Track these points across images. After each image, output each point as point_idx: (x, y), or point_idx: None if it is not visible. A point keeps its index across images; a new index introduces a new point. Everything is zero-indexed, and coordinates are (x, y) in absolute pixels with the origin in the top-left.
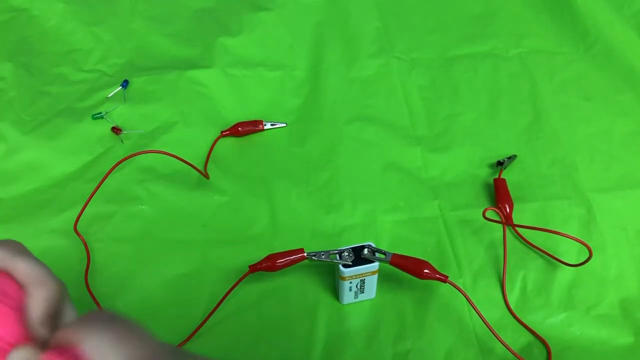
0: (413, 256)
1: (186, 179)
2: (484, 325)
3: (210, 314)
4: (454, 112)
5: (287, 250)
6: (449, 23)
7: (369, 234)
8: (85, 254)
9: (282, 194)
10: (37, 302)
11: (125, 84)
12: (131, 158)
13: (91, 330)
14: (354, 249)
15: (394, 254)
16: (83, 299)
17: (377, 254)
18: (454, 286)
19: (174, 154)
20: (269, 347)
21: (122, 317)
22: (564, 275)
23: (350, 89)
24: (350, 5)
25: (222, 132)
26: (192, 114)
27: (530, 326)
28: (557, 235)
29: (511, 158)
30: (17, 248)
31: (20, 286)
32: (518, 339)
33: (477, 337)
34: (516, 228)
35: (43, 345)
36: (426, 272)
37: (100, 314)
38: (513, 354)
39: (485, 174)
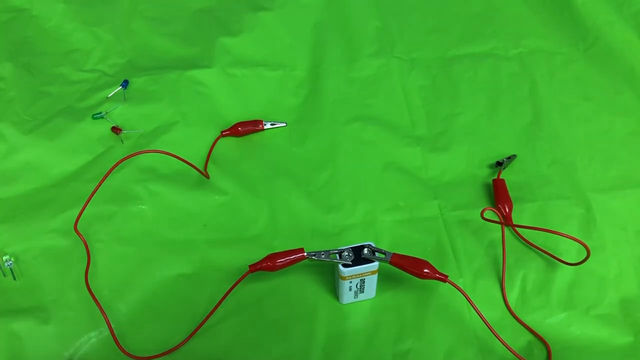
0: (413, 256)
1: (186, 179)
2: (484, 325)
3: (210, 313)
4: (453, 112)
5: (287, 250)
6: (449, 23)
7: (369, 234)
8: (86, 254)
9: (282, 193)
10: None
11: (125, 84)
12: (131, 158)
13: None
14: (353, 248)
15: (393, 254)
16: (83, 299)
17: (377, 254)
18: (454, 286)
19: (174, 153)
20: (269, 347)
21: None
22: (564, 275)
23: (350, 89)
24: (350, 5)
25: (222, 132)
26: (192, 114)
27: (530, 326)
28: (557, 235)
29: (511, 158)
30: None
31: None
32: (518, 338)
33: (477, 336)
34: (515, 228)
35: None
36: (426, 272)
37: None
38: (513, 353)
39: (485, 173)
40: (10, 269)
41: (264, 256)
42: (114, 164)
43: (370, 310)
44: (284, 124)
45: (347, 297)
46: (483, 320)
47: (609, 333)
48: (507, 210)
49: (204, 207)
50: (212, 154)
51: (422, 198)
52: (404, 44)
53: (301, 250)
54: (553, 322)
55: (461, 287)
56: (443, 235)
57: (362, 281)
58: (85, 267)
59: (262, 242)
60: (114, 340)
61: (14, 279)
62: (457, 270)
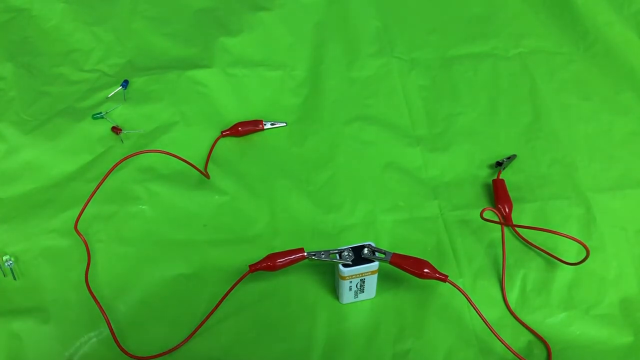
0: (413, 256)
1: (186, 179)
2: (484, 324)
3: (210, 313)
4: (454, 112)
5: (287, 250)
6: (449, 23)
7: (369, 234)
8: (86, 254)
9: (282, 193)
10: None
11: (125, 84)
12: (131, 158)
13: None
14: (354, 248)
15: (393, 254)
16: (83, 299)
17: (377, 254)
18: (454, 286)
19: (174, 153)
20: (269, 347)
21: None
22: (564, 275)
23: (350, 89)
24: (350, 5)
25: (222, 132)
26: (192, 114)
27: (530, 326)
28: (557, 235)
29: (511, 158)
30: None
31: None
32: (518, 338)
33: (477, 336)
34: (515, 228)
35: None
36: (426, 272)
37: None
38: (513, 353)
39: (485, 173)
40: (10, 269)
41: (264, 256)
42: (114, 164)
43: (370, 310)
44: (284, 124)
45: (347, 297)
46: (483, 320)
47: (609, 333)
48: (507, 210)
49: (204, 207)
50: (212, 154)
51: (422, 198)
52: (404, 44)
53: (301, 250)
54: (553, 322)
55: (461, 287)
56: (443, 235)
57: (362, 281)
58: (85, 267)
59: (262, 242)
60: (114, 340)
61: (14, 279)
62: (457, 270)
